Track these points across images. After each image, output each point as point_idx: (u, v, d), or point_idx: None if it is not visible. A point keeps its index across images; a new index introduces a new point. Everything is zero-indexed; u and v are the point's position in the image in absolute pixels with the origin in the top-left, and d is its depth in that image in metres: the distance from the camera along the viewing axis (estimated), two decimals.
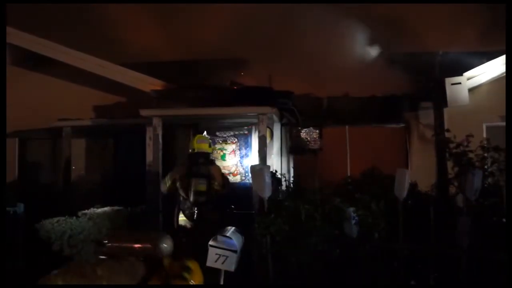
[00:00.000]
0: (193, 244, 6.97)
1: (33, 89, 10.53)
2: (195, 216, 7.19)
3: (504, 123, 6.55)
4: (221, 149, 9.44)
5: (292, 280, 6.30)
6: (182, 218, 7.34)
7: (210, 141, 7.87)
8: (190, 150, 7.62)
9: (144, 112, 8.81)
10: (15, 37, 10.49)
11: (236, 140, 9.45)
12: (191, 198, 7.25)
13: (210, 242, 5.78)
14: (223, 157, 9.44)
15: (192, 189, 7.25)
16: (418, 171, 9.22)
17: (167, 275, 4.24)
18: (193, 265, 4.47)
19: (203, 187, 7.26)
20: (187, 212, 7.27)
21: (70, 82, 10.63)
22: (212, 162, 7.78)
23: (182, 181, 7.36)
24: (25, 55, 10.60)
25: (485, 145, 7.00)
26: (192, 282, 4.27)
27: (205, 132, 8.22)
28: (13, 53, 10.73)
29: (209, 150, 7.71)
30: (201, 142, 7.60)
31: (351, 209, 6.30)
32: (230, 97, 8.95)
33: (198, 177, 7.29)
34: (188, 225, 7.26)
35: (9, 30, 10.45)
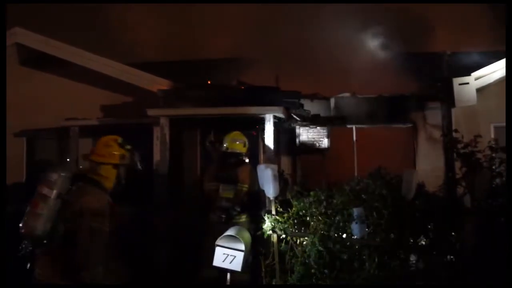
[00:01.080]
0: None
1: (41, 88, 10.57)
2: (223, 220, 6.77)
3: None
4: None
5: (296, 280, 6.29)
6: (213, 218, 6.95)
7: (246, 140, 7.31)
8: (222, 148, 7.19)
9: (151, 112, 8.83)
10: (24, 37, 10.55)
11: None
12: (218, 203, 6.89)
13: (217, 242, 5.79)
14: None
15: (220, 195, 6.89)
16: (426, 171, 9.20)
17: None
18: None
19: (230, 193, 6.89)
20: (214, 216, 6.87)
21: (77, 82, 10.67)
22: (243, 163, 7.20)
23: (211, 184, 7.05)
24: (34, 55, 10.65)
25: (493, 146, 6.96)
26: None
27: (212, 132, 8.18)
28: (22, 53, 10.81)
29: (243, 151, 7.19)
30: (235, 141, 7.16)
31: (358, 209, 6.29)
32: (237, 97, 8.94)
33: (226, 182, 6.92)
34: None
35: (18, 30, 10.53)
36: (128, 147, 4.54)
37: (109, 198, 4.33)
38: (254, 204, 7.18)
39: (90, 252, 4.03)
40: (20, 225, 4.09)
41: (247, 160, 7.31)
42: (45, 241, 4.10)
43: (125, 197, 8.87)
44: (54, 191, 4.11)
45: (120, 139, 4.60)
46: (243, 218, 6.96)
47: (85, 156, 4.59)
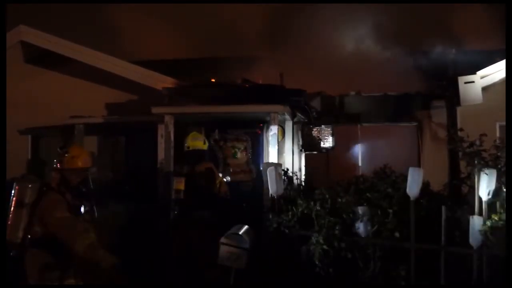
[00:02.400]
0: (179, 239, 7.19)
1: (46, 86, 10.58)
2: (176, 212, 7.28)
3: None
4: (233, 147, 9.42)
5: (300, 278, 6.29)
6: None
7: (205, 138, 7.90)
8: (185, 147, 7.65)
9: (155, 110, 8.83)
10: (29, 35, 10.57)
11: (248, 138, 9.42)
12: (172, 196, 7.30)
13: (222, 240, 5.79)
14: (234, 155, 9.42)
15: (173, 188, 7.29)
16: (431, 170, 9.17)
17: None
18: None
19: (181, 185, 7.22)
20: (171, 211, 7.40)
21: (82, 80, 10.68)
22: (205, 159, 7.84)
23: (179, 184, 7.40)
24: (39, 53, 10.66)
25: (499, 145, 6.93)
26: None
27: (216, 130, 8.24)
28: (27, 51, 10.82)
29: (204, 147, 7.73)
30: (195, 140, 7.64)
31: (363, 208, 6.27)
32: (241, 95, 8.93)
33: (177, 175, 7.34)
34: None
35: (23, 28, 10.55)
36: (64, 150, 5.01)
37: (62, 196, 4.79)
38: (214, 201, 7.51)
39: (70, 230, 4.50)
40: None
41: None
42: (22, 246, 4.61)
43: (131, 195, 8.93)
44: (20, 201, 4.64)
45: (60, 146, 5.12)
46: (203, 213, 7.24)
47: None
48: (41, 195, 4.69)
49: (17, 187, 4.69)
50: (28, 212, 4.62)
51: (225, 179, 7.94)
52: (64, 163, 4.88)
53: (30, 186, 4.66)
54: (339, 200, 6.57)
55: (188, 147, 7.60)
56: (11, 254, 4.66)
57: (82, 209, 4.89)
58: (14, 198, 4.66)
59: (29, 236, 4.59)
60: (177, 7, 15.98)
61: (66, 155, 4.91)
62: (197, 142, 7.63)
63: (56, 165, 4.92)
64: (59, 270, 4.59)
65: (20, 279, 4.75)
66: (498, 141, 7.00)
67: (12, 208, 4.63)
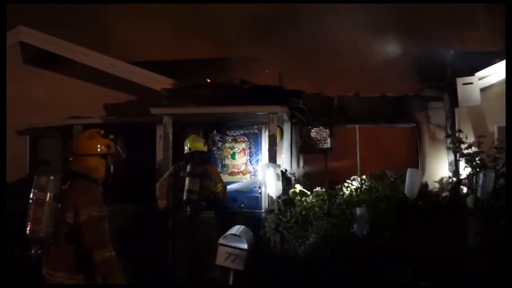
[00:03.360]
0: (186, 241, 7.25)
1: (44, 87, 10.57)
2: (187, 213, 7.23)
3: None
4: (231, 148, 9.43)
5: (299, 279, 6.30)
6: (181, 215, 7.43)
7: (204, 140, 7.94)
8: (186, 150, 7.69)
9: (154, 111, 8.83)
10: (28, 35, 10.55)
11: (246, 139, 9.43)
12: (184, 197, 7.28)
13: (220, 241, 5.80)
14: (233, 156, 9.43)
15: (185, 188, 7.28)
16: (429, 171, 9.19)
17: None
18: None
19: (195, 186, 7.26)
20: (181, 211, 7.36)
21: (81, 81, 10.67)
22: (208, 161, 7.90)
23: (179, 182, 7.48)
24: (38, 54, 10.66)
25: (497, 146, 6.95)
26: None
27: (215, 131, 8.25)
28: (26, 51, 10.81)
29: (204, 149, 7.76)
30: (196, 141, 7.68)
31: (361, 209, 6.29)
32: (240, 96, 8.94)
33: (192, 176, 7.32)
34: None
35: (22, 28, 10.54)
36: (112, 136, 4.65)
37: (100, 188, 4.45)
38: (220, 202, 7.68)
39: (97, 236, 4.19)
40: (27, 231, 4.26)
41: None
42: (50, 242, 4.26)
43: (127, 195, 8.94)
44: (48, 194, 4.24)
45: (102, 131, 4.68)
46: (212, 214, 7.36)
47: (71, 154, 4.64)
48: (71, 185, 4.34)
49: (37, 179, 4.30)
50: (52, 204, 4.22)
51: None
52: (111, 148, 4.54)
53: (52, 177, 4.40)
54: (337, 201, 6.58)
55: (190, 149, 7.63)
56: (32, 252, 4.45)
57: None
58: (35, 191, 4.40)
59: (55, 231, 4.21)
60: (177, 7, 15.99)
61: (111, 139, 4.58)
62: (198, 143, 7.67)
63: (99, 151, 4.53)
64: (88, 268, 4.38)
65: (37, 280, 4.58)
66: (496, 142, 7.03)
67: (33, 202, 4.39)
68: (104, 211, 4.31)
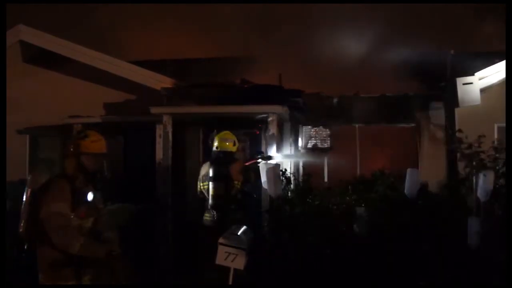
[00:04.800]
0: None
1: (44, 86, 10.57)
2: (214, 217, 6.98)
3: None
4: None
5: (298, 280, 6.29)
6: (206, 217, 7.15)
7: (235, 139, 7.48)
8: (213, 148, 7.38)
9: (154, 110, 8.83)
10: (28, 34, 10.55)
11: (246, 138, 9.43)
12: (210, 202, 7.07)
13: (220, 240, 5.79)
14: None
15: (210, 193, 7.05)
16: (429, 171, 9.19)
17: None
18: None
19: (220, 190, 7.02)
20: (207, 215, 7.09)
21: (81, 80, 10.67)
22: (233, 161, 7.32)
23: (203, 184, 7.27)
24: (38, 53, 10.65)
25: (497, 146, 6.95)
26: None
27: (215, 131, 8.18)
28: (26, 50, 10.81)
29: (233, 149, 7.35)
30: (224, 141, 7.33)
31: (361, 208, 6.28)
32: (240, 96, 8.94)
33: (217, 179, 7.06)
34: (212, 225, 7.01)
35: (22, 27, 10.53)
36: (82, 134, 4.84)
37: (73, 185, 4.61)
38: (250, 201, 7.34)
39: (61, 234, 4.34)
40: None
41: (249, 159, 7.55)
42: (30, 240, 4.53)
43: (127, 194, 8.94)
44: (28, 190, 4.55)
45: (77, 131, 5.22)
46: (239, 215, 6.99)
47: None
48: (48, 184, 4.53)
49: (29, 178, 4.61)
50: (29, 201, 4.50)
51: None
52: (82, 147, 4.70)
53: (30, 176, 4.56)
54: (337, 201, 6.58)
55: (217, 147, 7.32)
56: (25, 248, 4.54)
57: (90, 197, 4.71)
58: (26, 189, 4.57)
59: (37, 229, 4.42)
60: (176, 7, 15.99)
61: (85, 139, 4.74)
62: (226, 143, 7.29)
63: (71, 150, 4.72)
64: (74, 266, 4.44)
65: (33, 275, 4.63)
66: (496, 142, 7.02)
67: (24, 201, 4.56)
68: (64, 207, 4.41)
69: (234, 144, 7.37)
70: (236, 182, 7.13)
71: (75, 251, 4.30)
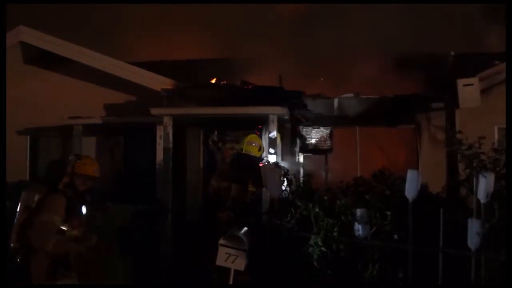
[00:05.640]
0: None
1: (45, 87, 10.58)
2: (231, 219, 6.96)
3: None
4: (232, 149, 9.40)
5: (298, 280, 6.29)
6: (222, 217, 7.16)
7: (262, 144, 7.52)
8: (238, 150, 7.42)
9: (154, 111, 8.83)
10: (28, 35, 10.56)
11: None
12: (228, 203, 7.09)
13: (220, 241, 5.80)
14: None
15: (232, 194, 7.09)
16: (429, 172, 9.17)
17: None
18: None
19: (241, 192, 7.07)
20: (223, 215, 7.09)
21: (81, 81, 10.68)
22: (254, 165, 7.33)
23: (223, 183, 7.28)
24: (38, 54, 10.66)
25: (497, 147, 6.94)
26: None
27: (215, 132, 8.16)
28: (26, 51, 10.82)
29: (258, 154, 7.40)
30: (251, 144, 7.37)
31: (361, 210, 6.28)
32: (241, 97, 8.94)
33: (238, 183, 7.10)
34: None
35: (22, 28, 10.54)
36: (78, 159, 5.60)
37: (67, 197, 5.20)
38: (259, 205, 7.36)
39: (35, 233, 4.83)
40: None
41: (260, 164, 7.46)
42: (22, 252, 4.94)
43: (127, 195, 8.94)
44: (20, 205, 5.07)
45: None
46: (252, 219, 7.02)
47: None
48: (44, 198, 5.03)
49: (23, 194, 5.10)
50: (22, 214, 4.98)
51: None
52: (75, 168, 5.35)
53: (24, 191, 4.96)
54: (338, 202, 6.57)
55: (242, 150, 7.36)
56: (17, 260, 4.78)
57: (84, 211, 5.32)
58: (20, 205, 4.94)
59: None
60: (176, 7, 15.99)
61: (78, 161, 5.41)
62: (252, 147, 7.34)
63: (68, 170, 5.37)
64: (63, 269, 4.77)
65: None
66: (496, 143, 7.01)
67: (17, 215, 4.92)
68: (52, 218, 4.93)
69: (260, 149, 7.43)
70: (251, 186, 7.18)
71: (50, 246, 4.76)
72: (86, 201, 5.42)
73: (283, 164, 9.17)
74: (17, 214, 5.01)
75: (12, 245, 4.97)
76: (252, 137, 7.49)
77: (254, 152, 7.34)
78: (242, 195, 7.09)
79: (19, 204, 5.08)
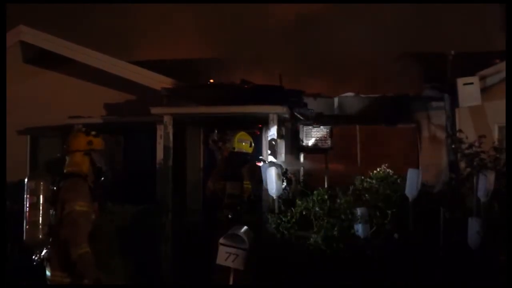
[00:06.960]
0: None
1: (45, 86, 10.57)
2: (230, 218, 7.04)
3: None
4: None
5: (298, 280, 6.29)
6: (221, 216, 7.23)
7: (252, 140, 7.66)
8: (230, 149, 7.49)
9: (155, 110, 8.83)
10: (29, 35, 10.54)
11: None
12: (225, 201, 7.15)
13: (220, 240, 5.79)
14: None
15: (226, 192, 7.14)
16: (429, 171, 9.17)
17: None
18: None
19: (236, 190, 7.12)
20: (220, 215, 7.17)
21: (81, 80, 10.67)
22: (247, 162, 7.51)
23: (218, 183, 7.32)
24: (38, 53, 10.65)
25: (498, 146, 6.94)
26: None
27: (215, 131, 8.17)
28: (26, 51, 10.81)
29: (249, 151, 7.53)
30: (241, 142, 7.46)
31: (362, 209, 6.28)
32: (241, 96, 8.94)
33: (232, 180, 7.17)
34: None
35: (23, 28, 10.53)
36: (93, 133, 4.89)
37: (89, 184, 4.69)
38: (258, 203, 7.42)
39: (73, 231, 4.33)
40: (24, 235, 4.47)
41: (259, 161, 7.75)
42: (48, 243, 4.46)
43: (127, 195, 8.93)
44: (41, 197, 4.45)
45: (84, 129, 4.99)
46: (253, 215, 7.12)
47: (63, 154, 4.96)
48: (62, 184, 4.55)
49: (28, 184, 4.51)
50: (46, 206, 4.45)
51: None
52: (96, 145, 4.79)
53: (42, 182, 4.50)
54: (338, 201, 6.58)
55: (234, 148, 7.45)
56: (34, 258, 4.56)
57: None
58: (27, 196, 4.52)
59: (52, 232, 4.45)
60: (176, 7, 15.99)
61: (97, 136, 4.85)
62: (242, 144, 7.46)
63: (84, 148, 4.74)
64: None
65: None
66: (497, 142, 7.02)
67: (28, 206, 4.50)
68: (87, 206, 4.48)
69: (251, 145, 7.54)
70: (246, 183, 7.23)
71: (75, 255, 4.29)
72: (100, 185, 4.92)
73: (283, 163, 9.19)
74: (27, 207, 4.45)
75: (40, 237, 4.42)
76: (241, 134, 7.57)
77: (245, 149, 7.45)
78: (238, 192, 7.13)
79: (28, 195, 4.43)
